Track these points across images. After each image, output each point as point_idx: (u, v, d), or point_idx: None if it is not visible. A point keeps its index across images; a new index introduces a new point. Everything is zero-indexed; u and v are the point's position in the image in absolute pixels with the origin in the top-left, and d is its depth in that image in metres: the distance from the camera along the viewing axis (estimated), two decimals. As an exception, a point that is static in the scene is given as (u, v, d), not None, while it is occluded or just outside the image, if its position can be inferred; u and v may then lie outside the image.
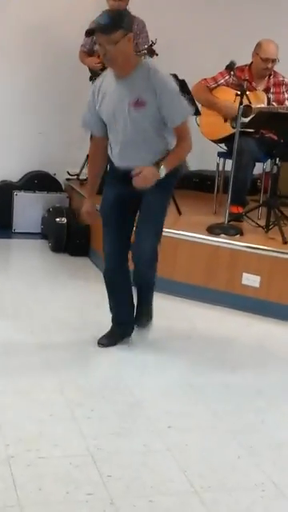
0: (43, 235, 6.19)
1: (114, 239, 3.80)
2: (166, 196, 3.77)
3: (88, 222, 4.33)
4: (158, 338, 4.04)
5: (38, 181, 6.51)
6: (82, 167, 6.53)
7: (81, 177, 6.56)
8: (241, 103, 4.90)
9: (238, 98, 4.97)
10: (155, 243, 3.75)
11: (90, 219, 3.96)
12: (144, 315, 3.99)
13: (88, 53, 6.06)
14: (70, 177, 6.69)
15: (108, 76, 3.65)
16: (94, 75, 6.01)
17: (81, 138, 6.46)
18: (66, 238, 5.76)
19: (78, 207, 6.18)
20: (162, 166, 3.51)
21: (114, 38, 3.42)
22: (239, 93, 4.92)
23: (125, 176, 3.59)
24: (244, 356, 4.03)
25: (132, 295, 3.93)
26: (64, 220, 5.78)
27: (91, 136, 3.95)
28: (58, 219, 5.79)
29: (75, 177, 6.63)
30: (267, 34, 5.56)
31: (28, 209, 6.31)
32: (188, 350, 4.00)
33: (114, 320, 3.97)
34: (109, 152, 3.75)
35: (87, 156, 6.47)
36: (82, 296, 4.84)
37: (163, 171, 3.52)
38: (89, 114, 3.73)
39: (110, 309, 3.95)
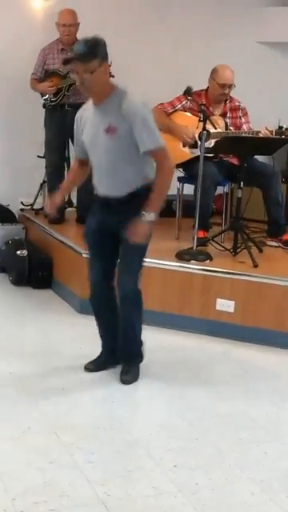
0: (1, 268, 6.01)
1: (97, 266, 3.82)
2: None
3: (48, 210, 4.05)
4: (143, 370, 3.93)
5: (-8, 213, 6.33)
6: (36, 197, 6.41)
7: (35, 206, 6.44)
8: (204, 128, 4.89)
9: (199, 123, 4.97)
10: (136, 282, 3.75)
11: (51, 206, 3.93)
12: (124, 362, 3.90)
13: (39, 80, 5.97)
14: (24, 207, 6.55)
15: (89, 103, 3.68)
16: (47, 103, 5.93)
17: (33, 168, 6.40)
18: (28, 270, 5.60)
19: (36, 238, 6.10)
20: (144, 214, 3.51)
21: (91, 67, 3.46)
22: (202, 118, 4.91)
23: (105, 204, 3.68)
24: (230, 384, 3.98)
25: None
26: (25, 252, 5.62)
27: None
28: (18, 252, 5.63)
29: (29, 207, 6.49)
30: (218, 58, 5.59)
31: (-18, 242, 6.12)
32: (174, 382, 3.92)
33: (102, 346, 3.98)
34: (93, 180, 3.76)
35: (41, 185, 6.39)
36: (53, 330, 4.70)
37: (149, 216, 3.51)
38: (75, 142, 3.81)
39: (100, 336, 3.97)
